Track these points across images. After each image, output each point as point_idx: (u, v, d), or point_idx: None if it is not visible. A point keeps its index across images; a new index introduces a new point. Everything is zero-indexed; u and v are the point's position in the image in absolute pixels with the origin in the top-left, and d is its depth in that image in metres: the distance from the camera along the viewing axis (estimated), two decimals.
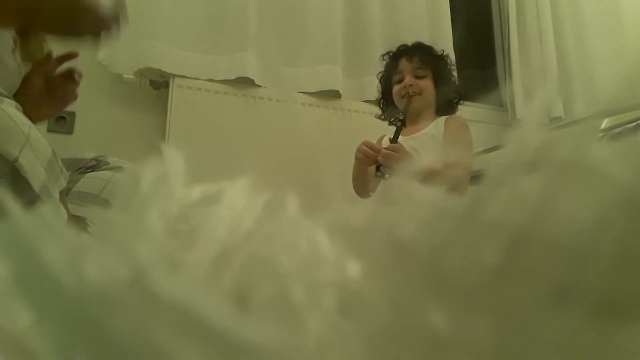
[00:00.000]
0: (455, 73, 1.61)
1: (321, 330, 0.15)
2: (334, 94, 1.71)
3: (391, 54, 1.55)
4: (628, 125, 1.24)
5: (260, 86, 1.60)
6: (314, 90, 1.69)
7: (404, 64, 1.47)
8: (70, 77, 0.87)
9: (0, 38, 0.71)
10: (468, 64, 2.02)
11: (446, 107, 1.48)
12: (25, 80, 0.83)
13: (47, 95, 0.85)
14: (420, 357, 0.16)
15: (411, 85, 1.43)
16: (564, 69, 2.10)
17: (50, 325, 0.15)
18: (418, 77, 1.45)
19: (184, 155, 0.23)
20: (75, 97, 0.89)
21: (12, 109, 0.54)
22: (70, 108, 1.43)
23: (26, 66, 0.80)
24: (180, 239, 0.18)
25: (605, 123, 1.17)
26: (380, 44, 1.78)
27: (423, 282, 0.17)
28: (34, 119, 0.83)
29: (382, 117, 1.57)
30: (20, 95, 0.82)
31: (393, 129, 1.43)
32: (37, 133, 0.56)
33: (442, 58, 1.54)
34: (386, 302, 0.17)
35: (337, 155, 1.60)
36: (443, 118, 1.44)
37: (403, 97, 1.44)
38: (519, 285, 0.15)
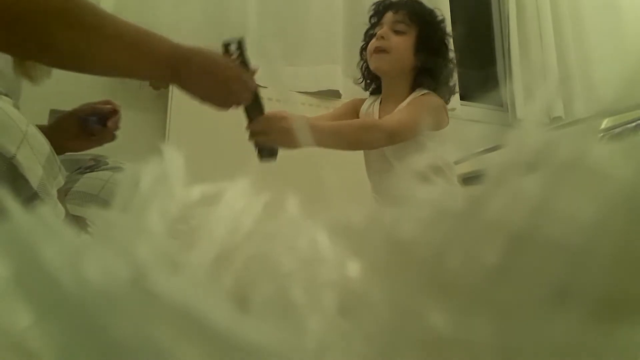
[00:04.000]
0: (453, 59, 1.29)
1: (321, 330, 0.15)
2: (334, 94, 1.71)
3: (381, 2, 1.29)
4: (628, 125, 1.24)
5: (260, 86, 1.60)
6: (314, 90, 1.69)
7: (388, 16, 1.22)
8: (104, 125, 0.92)
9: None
10: (468, 64, 2.02)
11: (427, 79, 1.18)
12: (62, 117, 0.93)
13: (81, 132, 0.92)
14: (420, 357, 0.16)
15: (382, 38, 1.18)
16: (564, 69, 2.10)
17: (50, 325, 0.15)
18: (397, 33, 1.19)
19: (184, 155, 0.23)
20: (111, 139, 0.94)
21: (9, 106, 0.54)
22: (70, 108, 1.43)
23: (36, 80, 0.81)
24: (180, 239, 0.18)
25: (605, 123, 1.17)
26: None
27: (423, 282, 0.17)
28: (66, 149, 0.88)
29: (359, 81, 1.34)
30: (54, 129, 0.89)
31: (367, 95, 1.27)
32: (34, 130, 0.56)
33: (436, 21, 1.24)
34: (386, 302, 0.17)
35: (337, 155, 1.60)
36: (418, 94, 1.18)
37: (374, 52, 1.18)
38: (519, 285, 0.15)
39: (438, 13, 1.27)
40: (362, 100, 1.35)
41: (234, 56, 0.81)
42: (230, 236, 0.19)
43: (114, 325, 0.14)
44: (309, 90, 1.69)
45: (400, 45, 1.19)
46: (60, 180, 0.60)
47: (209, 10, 1.59)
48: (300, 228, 0.21)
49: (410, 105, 1.16)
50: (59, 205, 0.58)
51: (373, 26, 1.29)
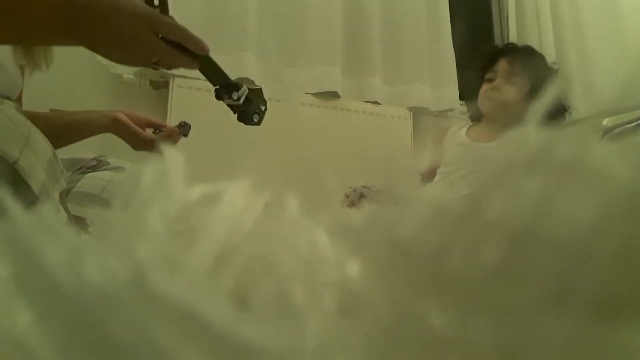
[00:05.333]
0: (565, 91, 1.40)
1: (321, 330, 0.15)
2: (333, 95, 1.71)
3: (495, 49, 1.41)
4: (628, 125, 1.24)
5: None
6: (313, 92, 1.69)
7: (502, 65, 1.33)
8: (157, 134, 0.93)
9: None
10: (468, 64, 2.02)
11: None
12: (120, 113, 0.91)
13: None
14: (420, 357, 0.16)
15: (498, 89, 1.30)
16: (564, 69, 2.10)
17: (50, 325, 0.15)
18: (510, 82, 1.30)
19: (184, 155, 0.23)
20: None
21: (12, 110, 0.54)
22: (71, 108, 1.43)
23: (30, 72, 0.81)
24: (180, 239, 0.18)
25: (605, 123, 1.16)
26: (379, 45, 1.78)
27: (423, 282, 0.17)
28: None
29: (469, 114, 1.48)
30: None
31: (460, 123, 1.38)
32: (37, 134, 0.56)
33: (549, 71, 1.35)
34: (386, 302, 0.17)
35: (337, 155, 1.60)
36: None
37: (485, 98, 1.31)
38: (519, 285, 0.15)
39: (550, 61, 1.36)
40: (451, 127, 1.50)
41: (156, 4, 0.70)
42: (230, 236, 0.19)
43: (114, 325, 0.14)
44: (307, 92, 1.69)
45: (511, 95, 1.29)
46: (63, 184, 0.60)
47: (209, 10, 1.59)
48: (300, 228, 0.21)
49: None
50: (61, 209, 0.58)
51: (485, 68, 1.39)
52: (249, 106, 0.82)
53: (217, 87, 0.81)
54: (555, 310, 0.15)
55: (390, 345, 0.16)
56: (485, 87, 1.35)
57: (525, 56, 1.34)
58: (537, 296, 0.15)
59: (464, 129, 1.44)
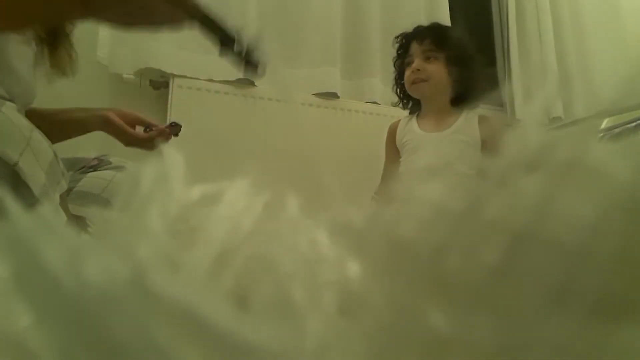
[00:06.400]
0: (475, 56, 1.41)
1: (321, 330, 0.15)
2: (332, 96, 1.71)
3: (404, 35, 1.45)
4: (628, 125, 1.24)
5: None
6: (312, 92, 1.69)
7: (414, 47, 1.38)
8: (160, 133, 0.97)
9: (18, 51, 0.70)
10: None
11: (465, 96, 1.35)
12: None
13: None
14: (420, 357, 0.16)
15: (418, 70, 1.34)
16: (564, 69, 2.10)
17: (50, 325, 0.15)
18: (428, 61, 1.35)
19: (184, 155, 0.23)
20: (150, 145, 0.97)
21: (13, 112, 0.54)
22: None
23: (53, 79, 0.82)
24: (180, 239, 0.18)
25: (605, 123, 1.17)
26: (378, 46, 1.78)
27: (423, 282, 0.17)
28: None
29: (400, 104, 1.51)
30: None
31: (406, 113, 1.39)
32: (38, 136, 0.56)
33: (459, 39, 1.39)
34: (386, 302, 0.17)
35: (337, 155, 1.60)
36: (474, 116, 1.34)
37: (413, 83, 1.35)
38: (519, 285, 0.15)
39: (456, 31, 1.42)
40: (397, 122, 1.51)
41: None
42: (230, 236, 0.19)
43: (114, 325, 0.14)
44: (307, 92, 1.69)
45: (436, 72, 1.34)
46: (63, 185, 0.60)
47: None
48: (300, 228, 0.21)
49: (495, 135, 1.29)
50: (61, 211, 0.58)
51: (400, 56, 1.45)
52: (251, 56, 0.80)
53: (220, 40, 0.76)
54: (555, 310, 0.15)
55: (390, 345, 0.16)
56: (407, 72, 1.38)
57: (432, 32, 1.39)
58: (537, 296, 0.15)
59: (414, 123, 1.44)
